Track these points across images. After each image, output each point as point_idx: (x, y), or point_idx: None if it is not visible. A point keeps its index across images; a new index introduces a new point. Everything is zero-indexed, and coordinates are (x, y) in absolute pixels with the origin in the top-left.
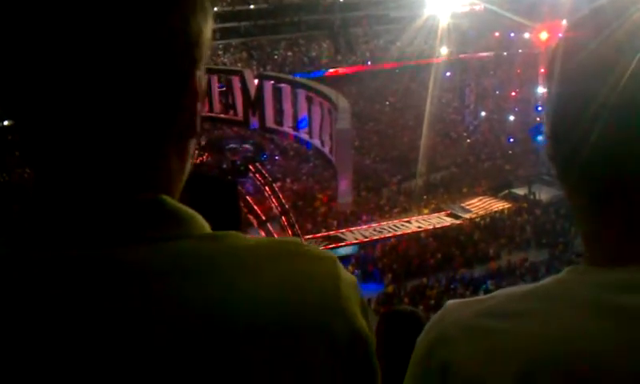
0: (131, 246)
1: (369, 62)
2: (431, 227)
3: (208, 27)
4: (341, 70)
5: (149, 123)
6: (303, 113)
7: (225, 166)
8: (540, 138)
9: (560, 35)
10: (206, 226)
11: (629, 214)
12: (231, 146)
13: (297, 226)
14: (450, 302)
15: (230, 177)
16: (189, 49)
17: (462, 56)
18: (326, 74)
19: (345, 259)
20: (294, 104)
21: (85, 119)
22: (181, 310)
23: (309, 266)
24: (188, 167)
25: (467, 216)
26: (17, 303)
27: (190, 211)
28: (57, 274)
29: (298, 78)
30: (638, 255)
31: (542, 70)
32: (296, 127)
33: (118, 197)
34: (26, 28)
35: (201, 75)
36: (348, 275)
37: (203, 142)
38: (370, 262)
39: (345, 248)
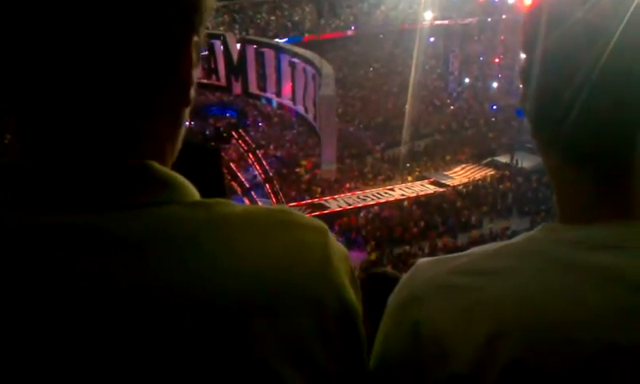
0: (114, 211)
1: (352, 27)
2: (414, 195)
3: None
4: (324, 35)
5: (139, 88)
6: (287, 78)
7: (208, 132)
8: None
9: (540, 1)
10: (196, 194)
11: (600, 176)
12: (214, 112)
13: (281, 194)
14: (422, 260)
15: (212, 143)
16: (187, 13)
17: (445, 21)
18: (309, 37)
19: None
20: (277, 69)
21: (73, 82)
22: (161, 280)
23: (299, 235)
24: (181, 135)
25: (450, 184)
26: None
27: (180, 178)
28: (30, 240)
29: (281, 43)
30: (605, 214)
31: (522, 36)
32: (279, 93)
33: (104, 162)
34: None
35: (198, 42)
36: (338, 245)
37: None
38: (354, 229)
39: None
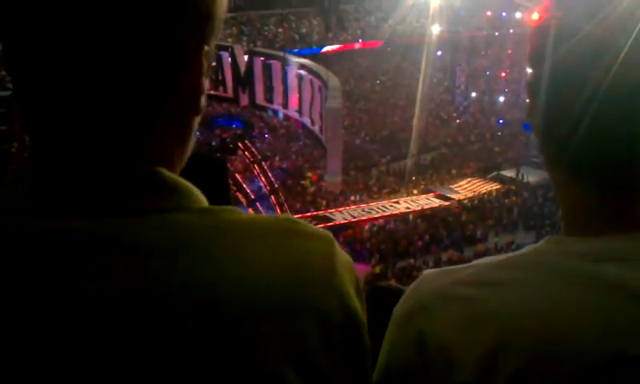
0: (121, 217)
1: (360, 40)
2: (420, 208)
3: (222, 2)
4: (332, 48)
5: (150, 95)
6: (293, 91)
7: (214, 143)
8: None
9: (548, 16)
10: (204, 201)
11: (605, 190)
12: (220, 123)
13: (286, 206)
14: (427, 271)
15: (218, 154)
16: (197, 23)
17: (453, 35)
18: (318, 51)
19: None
20: (284, 81)
21: (84, 88)
22: (166, 286)
23: (305, 244)
24: (191, 144)
25: (456, 197)
26: None
27: (188, 184)
28: (34, 243)
29: (288, 55)
30: (611, 226)
31: (529, 50)
32: (286, 105)
33: (113, 167)
34: None
35: (209, 51)
36: (343, 255)
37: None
38: (358, 241)
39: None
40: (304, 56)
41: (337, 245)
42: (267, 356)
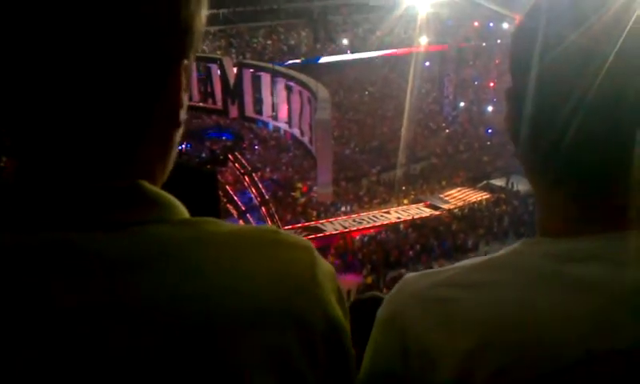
0: (102, 230)
1: (348, 51)
2: (410, 218)
3: (201, 16)
4: (320, 59)
5: (129, 110)
6: (283, 102)
7: (204, 155)
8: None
9: (532, 24)
10: (185, 213)
11: (585, 193)
12: (210, 135)
13: (276, 217)
14: (409, 274)
15: (209, 166)
16: (176, 37)
17: (441, 46)
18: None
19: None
20: (273, 93)
21: (64, 104)
22: (147, 298)
23: (285, 253)
24: (172, 157)
25: (446, 207)
26: None
27: (169, 197)
28: (13, 258)
29: (277, 67)
30: (588, 228)
31: (512, 58)
32: (275, 117)
33: (94, 181)
34: (7, 14)
35: (187, 65)
36: (325, 263)
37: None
38: (350, 252)
39: None
40: (293, 68)
41: (317, 253)
42: (251, 366)
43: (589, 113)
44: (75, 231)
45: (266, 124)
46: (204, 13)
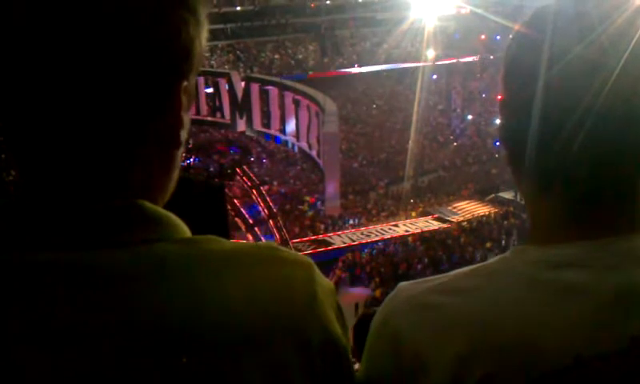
0: (104, 249)
1: (355, 65)
2: (418, 231)
3: (201, 39)
4: (328, 73)
5: (130, 132)
6: (290, 116)
7: (212, 169)
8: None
9: (534, 37)
10: (187, 231)
11: (574, 202)
12: (218, 148)
13: (284, 231)
14: (402, 282)
15: (217, 180)
16: (176, 61)
17: (448, 59)
18: (313, 75)
19: (333, 263)
20: (281, 107)
21: (61, 124)
22: (150, 316)
23: (285, 270)
24: (173, 176)
25: (454, 220)
26: None
27: (170, 215)
28: (17, 277)
29: (284, 81)
30: (572, 235)
31: (513, 69)
32: (283, 130)
33: (91, 201)
34: (9, 33)
35: (187, 87)
36: (324, 280)
37: (190, 145)
38: (358, 266)
39: None
40: (300, 81)
41: (317, 270)
42: (250, 382)
43: (594, 125)
44: (75, 250)
45: (275, 138)
46: (204, 35)
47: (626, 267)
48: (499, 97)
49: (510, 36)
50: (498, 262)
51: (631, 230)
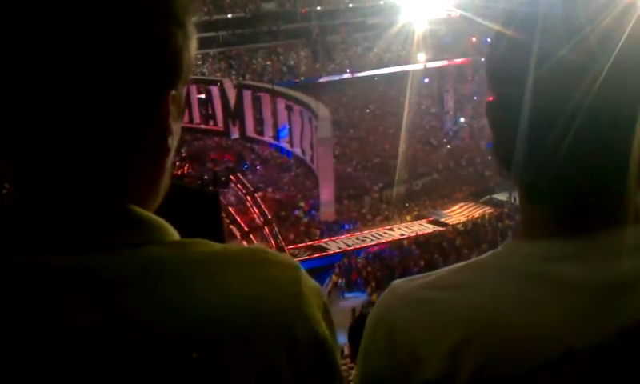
0: (95, 252)
1: (347, 70)
2: (414, 234)
3: (189, 49)
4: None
5: (119, 139)
6: (283, 122)
7: (206, 176)
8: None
9: (521, 39)
10: (176, 235)
11: (557, 199)
12: (212, 156)
13: (280, 237)
14: (397, 280)
15: (211, 187)
16: (164, 71)
17: (439, 62)
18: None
19: (329, 268)
20: (274, 113)
21: (51, 133)
22: (140, 316)
23: (272, 271)
24: (164, 182)
25: (449, 222)
26: None
27: (159, 220)
28: (16, 280)
29: (277, 87)
30: (563, 230)
31: (499, 71)
32: (276, 136)
33: (88, 206)
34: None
35: (176, 95)
36: (310, 281)
37: (184, 153)
38: (354, 270)
39: None
40: (293, 87)
41: (303, 271)
42: (238, 380)
43: (583, 125)
44: (68, 253)
45: (269, 144)
46: (193, 45)
47: (615, 260)
48: (490, 99)
49: (493, 37)
50: (490, 257)
51: (620, 223)
